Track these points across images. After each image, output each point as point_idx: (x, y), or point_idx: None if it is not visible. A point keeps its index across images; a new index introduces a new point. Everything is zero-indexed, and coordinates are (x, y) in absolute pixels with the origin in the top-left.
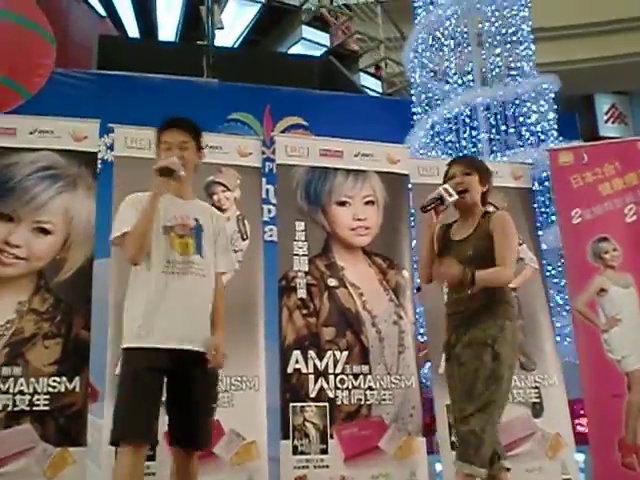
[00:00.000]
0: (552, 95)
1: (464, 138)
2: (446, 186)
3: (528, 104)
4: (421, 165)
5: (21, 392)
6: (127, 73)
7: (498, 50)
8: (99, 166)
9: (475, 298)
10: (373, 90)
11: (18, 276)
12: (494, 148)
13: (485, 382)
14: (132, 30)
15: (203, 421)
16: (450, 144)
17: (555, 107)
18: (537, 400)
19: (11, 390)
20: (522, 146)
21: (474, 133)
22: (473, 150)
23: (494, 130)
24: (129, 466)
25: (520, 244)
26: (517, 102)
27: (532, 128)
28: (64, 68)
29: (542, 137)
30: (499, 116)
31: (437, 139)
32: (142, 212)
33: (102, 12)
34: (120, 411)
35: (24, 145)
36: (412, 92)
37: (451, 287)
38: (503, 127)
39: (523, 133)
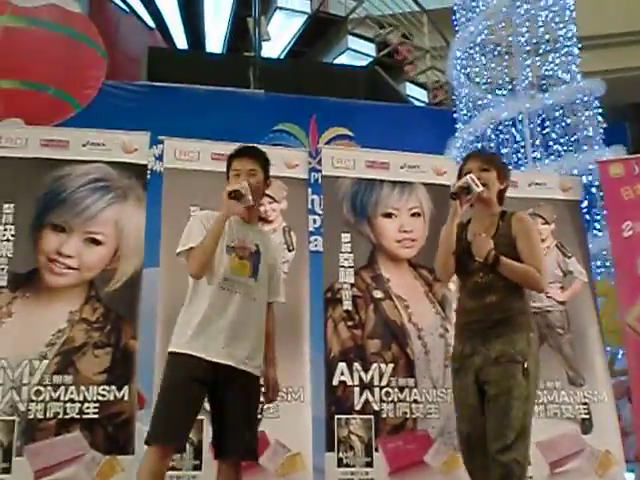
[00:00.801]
0: (596, 101)
1: (507, 147)
2: (472, 176)
3: (573, 110)
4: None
5: (71, 400)
6: (175, 85)
7: (541, 58)
8: (148, 177)
9: (495, 307)
10: (419, 100)
11: (69, 286)
12: (538, 156)
13: (521, 404)
14: (180, 42)
15: (246, 432)
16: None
17: (600, 112)
18: (586, 416)
19: (62, 398)
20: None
21: (517, 141)
22: (516, 159)
23: (538, 139)
24: (152, 464)
25: (569, 257)
26: (561, 108)
27: (578, 135)
28: (114, 80)
29: (588, 144)
30: (545, 123)
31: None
32: (210, 231)
33: (151, 24)
34: (157, 414)
35: (76, 157)
36: (455, 101)
37: (468, 293)
38: (551, 135)
39: (567, 141)
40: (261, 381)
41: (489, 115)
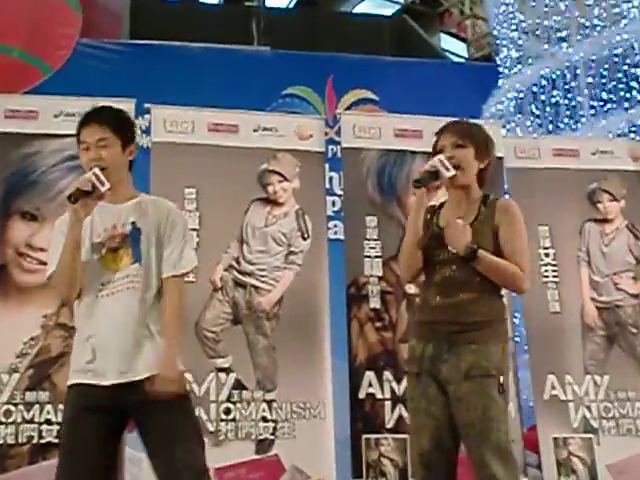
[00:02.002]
0: None
1: (557, 103)
2: (442, 157)
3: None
4: (519, 145)
5: (48, 421)
6: (164, 42)
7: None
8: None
9: (471, 310)
10: (457, 55)
11: (43, 285)
12: (592, 113)
13: (500, 424)
14: None
15: (177, 451)
16: (539, 111)
17: None
18: None
19: (36, 419)
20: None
21: (569, 96)
22: (568, 117)
23: (593, 91)
24: None
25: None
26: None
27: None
28: (91, 38)
29: None
30: (604, 73)
31: (524, 103)
32: (65, 246)
33: None
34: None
35: (47, 131)
36: (498, 52)
37: (436, 288)
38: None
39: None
40: None
41: (537, 68)
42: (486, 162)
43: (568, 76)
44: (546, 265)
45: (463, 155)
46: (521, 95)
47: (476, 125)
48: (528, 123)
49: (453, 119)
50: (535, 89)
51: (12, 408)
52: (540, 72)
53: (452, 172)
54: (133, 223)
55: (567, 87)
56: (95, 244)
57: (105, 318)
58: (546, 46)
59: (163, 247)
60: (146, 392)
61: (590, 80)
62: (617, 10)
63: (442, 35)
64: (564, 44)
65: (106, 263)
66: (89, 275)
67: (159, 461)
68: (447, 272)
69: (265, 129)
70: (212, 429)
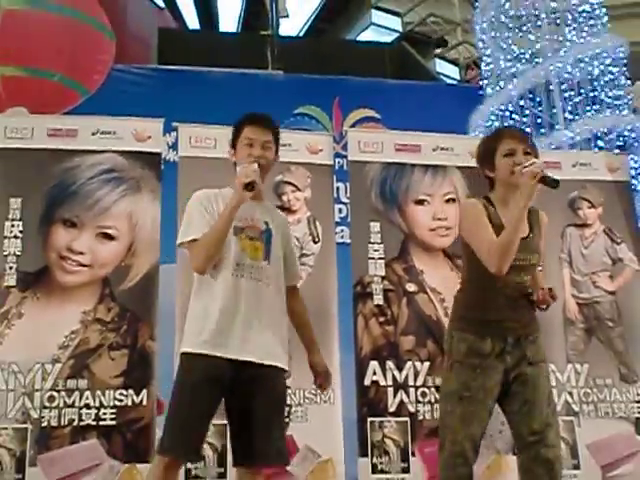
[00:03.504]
0: (623, 58)
1: (535, 115)
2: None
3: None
4: None
5: (87, 406)
6: (188, 67)
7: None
8: (162, 167)
9: (528, 309)
10: (450, 77)
11: (82, 284)
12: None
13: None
14: (192, 21)
15: (276, 434)
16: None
17: (625, 70)
18: None
19: (77, 404)
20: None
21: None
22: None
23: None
24: (160, 475)
25: (619, 243)
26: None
27: (604, 95)
28: (123, 64)
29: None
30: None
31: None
32: (218, 222)
33: (161, 4)
34: (169, 422)
35: (85, 147)
36: (482, 74)
37: (502, 291)
38: (576, 98)
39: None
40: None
41: (516, 84)
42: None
43: (543, 92)
44: None
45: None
46: (502, 110)
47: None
48: None
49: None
50: (511, 107)
51: (55, 394)
52: (515, 90)
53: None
54: (266, 223)
55: (541, 101)
56: (237, 227)
57: (241, 297)
58: (521, 66)
59: (286, 256)
60: (262, 375)
61: (565, 94)
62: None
63: (437, 60)
64: (538, 60)
65: (244, 247)
66: (227, 252)
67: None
68: (521, 277)
69: (280, 145)
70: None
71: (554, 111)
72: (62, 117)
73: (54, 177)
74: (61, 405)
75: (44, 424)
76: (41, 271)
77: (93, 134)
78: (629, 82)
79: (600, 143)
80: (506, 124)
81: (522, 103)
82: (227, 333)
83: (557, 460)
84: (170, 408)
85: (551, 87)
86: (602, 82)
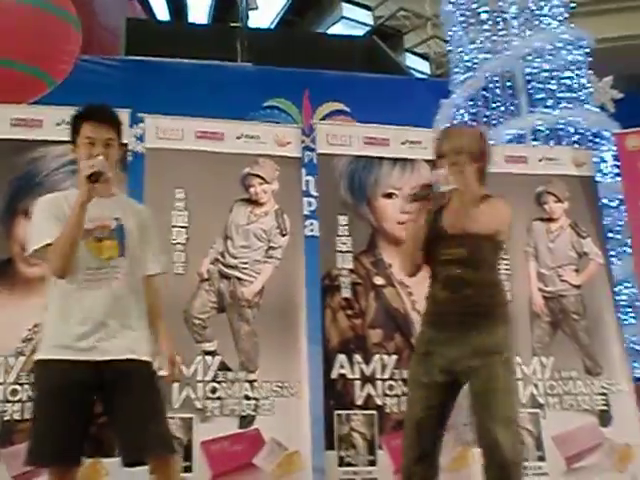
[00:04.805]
0: (586, 50)
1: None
2: (443, 171)
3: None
4: None
5: None
6: (157, 59)
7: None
8: (129, 159)
9: (474, 301)
10: (420, 71)
11: (45, 276)
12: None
13: (505, 395)
14: (161, 12)
15: (154, 426)
16: (479, 115)
17: (589, 61)
18: (604, 408)
19: None
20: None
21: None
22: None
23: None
24: None
25: (584, 237)
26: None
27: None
28: (90, 54)
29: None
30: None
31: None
32: (69, 221)
33: None
34: (35, 431)
35: (51, 137)
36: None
37: (443, 285)
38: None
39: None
40: None
41: (480, 74)
42: (483, 162)
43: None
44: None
45: (462, 160)
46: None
47: (470, 129)
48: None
49: (453, 126)
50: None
51: (18, 388)
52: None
53: (452, 186)
54: (117, 219)
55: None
56: (85, 230)
57: (93, 302)
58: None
59: (145, 246)
60: (125, 371)
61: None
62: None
63: (407, 54)
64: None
65: (92, 250)
66: (77, 258)
67: (132, 434)
68: (453, 271)
69: (248, 136)
70: (200, 406)
71: (517, 102)
72: (27, 107)
73: (18, 168)
74: (24, 399)
75: (7, 418)
76: (4, 263)
77: (58, 124)
78: (594, 77)
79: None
80: (471, 117)
81: (486, 94)
82: (84, 336)
83: (506, 462)
84: (32, 417)
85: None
86: (565, 75)
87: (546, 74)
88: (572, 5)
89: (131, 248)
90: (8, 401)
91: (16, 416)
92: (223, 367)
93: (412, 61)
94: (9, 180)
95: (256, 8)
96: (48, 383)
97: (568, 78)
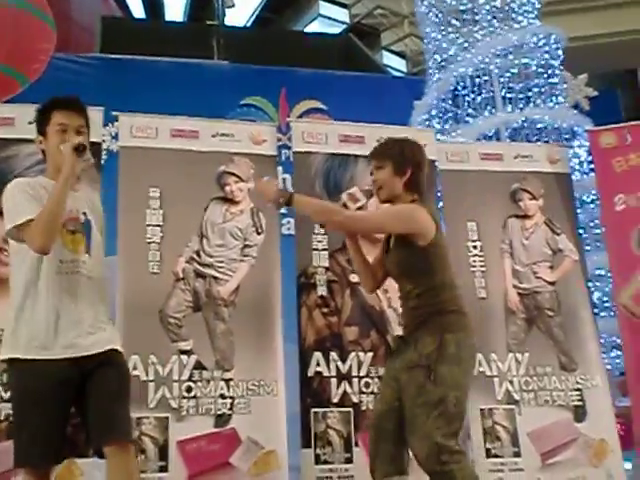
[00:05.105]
0: (559, 47)
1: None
2: (351, 191)
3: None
4: (449, 150)
5: None
6: (132, 56)
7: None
8: (103, 157)
9: (406, 313)
10: (397, 70)
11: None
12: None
13: (429, 409)
14: (137, 10)
15: (122, 410)
16: (451, 114)
17: (561, 60)
18: (579, 403)
19: None
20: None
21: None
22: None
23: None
24: None
25: (559, 234)
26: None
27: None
28: (65, 52)
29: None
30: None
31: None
32: (55, 194)
33: None
34: (20, 432)
35: (23, 136)
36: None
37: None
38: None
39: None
40: None
41: (454, 71)
42: (408, 172)
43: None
44: (474, 256)
45: (382, 175)
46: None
47: (393, 141)
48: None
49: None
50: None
51: None
52: (452, 76)
53: (360, 202)
54: (85, 213)
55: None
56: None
57: (67, 295)
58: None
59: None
60: (101, 361)
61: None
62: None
63: (384, 52)
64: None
65: (65, 242)
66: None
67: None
68: (398, 285)
69: (223, 135)
70: (175, 406)
71: (490, 99)
72: None
73: None
74: None
75: None
76: None
77: (30, 123)
78: (569, 75)
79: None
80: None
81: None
82: (57, 334)
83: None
84: (16, 418)
85: (484, 77)
86: (538, 72)
87: (519, 71)
88: (543, 2)
89: (94, 245)
90: None
91: None
92: (199, 366)
93: (389, 59)
94: None
95: (233, 6)
96: (29, 383)
97: (542, 75)
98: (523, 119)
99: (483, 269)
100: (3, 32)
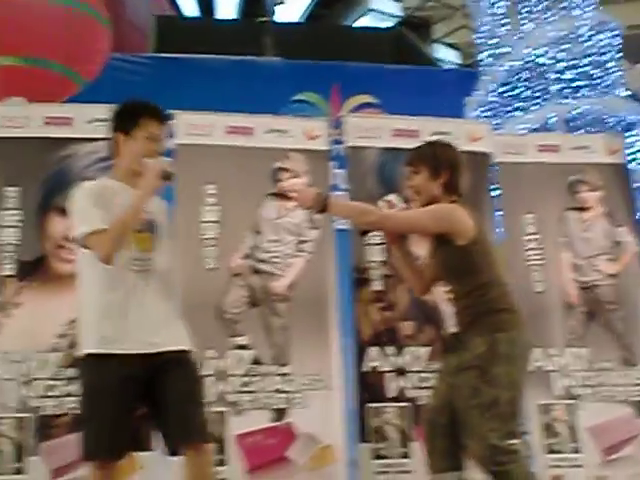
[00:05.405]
0: (616, 36)
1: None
2: (389, 198)
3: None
4: (506, 142)
5: None
6: (185, 55)
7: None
8: None
9: (456, 313)
10: (449, 62)
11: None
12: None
13: (483, 410)
14: (189, 9)
15: (197, 414)
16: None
17: (618, 49)
18: None
19: (76, 392)
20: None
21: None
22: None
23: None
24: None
25: (619, 226)
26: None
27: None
28: (119, 52)
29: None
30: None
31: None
32: (132, 210)
33: None
34: (91, 426)
35: (82, 135)
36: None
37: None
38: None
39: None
40: None
41: (507, 63)
42: (444, 175)
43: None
44: (531, 250)
45: (419, 181)
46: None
47: (426, 145)
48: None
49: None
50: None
51: (55, 383)
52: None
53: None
54: (149, 212)
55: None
56: None
57: (141, 294)
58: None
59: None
60: (172, 361)
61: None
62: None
63: (436, 45)
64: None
65: (132, 240)
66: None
67: (180, 420)
68: (446, 285)
69: (277, 131)
70: (233, 400)
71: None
72: (58, 105)
73: (50, 165)
74: (61, 394)
75: (44, 413)
76: (38, 260)
77: (89, 122)
78: (629, 64)
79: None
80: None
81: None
82: (132, 329)
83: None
84: (87, 412)
85: (537, 68)
86: (594, 61)
87: (576, 61)
88: None
89: (162, 243)
90: (44, 396)
91: (53, 411)
92: (256, 361)
93: (441, 51)
94: (42, 178)
95: (282, 2)
96: (102, 378)
97: (599, 64)
98: (578, 110)
99: (540, 262)
100: (62, 34)
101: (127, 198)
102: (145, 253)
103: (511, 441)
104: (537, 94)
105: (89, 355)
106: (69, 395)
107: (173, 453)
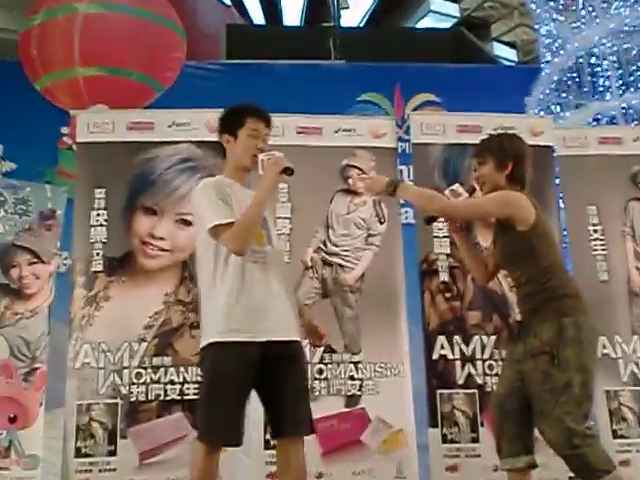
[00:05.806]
0: None
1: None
2: (454, 187)
3: None
4: (567, 136)
5: (172, 382)
6: (255, 61)
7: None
8: None
9: (522, 299)
10: (508, 60)
11: (163, 268)
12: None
13: (555, 396)
14: (257, 17)
15: (302, 406)
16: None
17: None
18: None
19: (162, 380)
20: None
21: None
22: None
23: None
24: (205, 461)
25: None
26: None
27: None
28: (194, 60)
29: None
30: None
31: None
32: (261, 204)
33: (227, 1)
34: (211, 410)
35: (163, 138)
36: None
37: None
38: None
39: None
40: None
41: (566, 56)
42: (510, 166)
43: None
44: (595, 240)
45: (485, 171)
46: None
47: (493, 137)
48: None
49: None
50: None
51: (142, 371)
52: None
53: (463, 197)
54: None
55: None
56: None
57: (259, 282)
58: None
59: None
60: (287, 351)
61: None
62: None
63: (494, 43)
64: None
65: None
66: None
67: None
68: (509, 272)
69: (345, 130)
70: (308, 386)
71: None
72: (141, 111)
73: (134, 168)
74: (148, 381)
75: (133, 399)
76: (125, 256)
77: (169, 126)
78: None
79: None
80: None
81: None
82: (253, 318)
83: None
84: (212, 398)
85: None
86: None
87: (635, 53)
88: None
89: (273, 236)
90: (133, 383)
91: (141, 397)
92: (329, 350)
93: (500, 50)
94: (127, 180)
95: (347, 7)
96: (227, 365)
97: None
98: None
99: (604, 252)
100: (140, 44)
101: (239, 193)
102: (262, 246)
103: (586, 424)
104: (598, 87)
105: (213, 344)
106: (155, 382)
107: (275, 437)
